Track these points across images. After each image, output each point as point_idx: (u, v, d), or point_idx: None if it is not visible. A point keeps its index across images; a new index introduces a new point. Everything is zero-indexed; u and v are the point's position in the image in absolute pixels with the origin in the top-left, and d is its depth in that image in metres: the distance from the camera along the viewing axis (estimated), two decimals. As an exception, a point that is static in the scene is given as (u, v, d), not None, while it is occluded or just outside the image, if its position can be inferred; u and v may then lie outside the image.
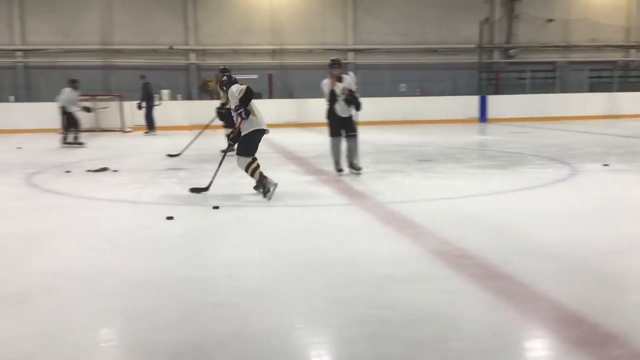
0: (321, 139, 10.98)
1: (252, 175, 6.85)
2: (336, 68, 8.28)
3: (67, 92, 13.78)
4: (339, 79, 8.24)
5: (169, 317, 3.30)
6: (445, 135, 15.47)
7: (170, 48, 21.77)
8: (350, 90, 8.22)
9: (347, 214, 6.11)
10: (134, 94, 19.38)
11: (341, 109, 8.27)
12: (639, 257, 4.32)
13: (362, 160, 8.77)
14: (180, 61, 22.18)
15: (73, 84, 14.02)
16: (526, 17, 23.55)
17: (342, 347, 2.99)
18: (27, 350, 2.92)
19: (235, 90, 6.88)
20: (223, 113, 11.40)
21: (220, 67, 12.14)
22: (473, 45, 22.64)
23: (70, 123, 13.73)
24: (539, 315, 3.29)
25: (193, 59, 22.34)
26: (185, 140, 12.48)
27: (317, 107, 18.67)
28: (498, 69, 23.74)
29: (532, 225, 5.34)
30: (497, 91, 22.55)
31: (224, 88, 7.39)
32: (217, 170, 7.14)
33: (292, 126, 19.27)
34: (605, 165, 8.93)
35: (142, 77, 17.73)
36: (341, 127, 8.37)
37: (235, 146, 7.00)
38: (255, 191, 6.95)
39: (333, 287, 3.77)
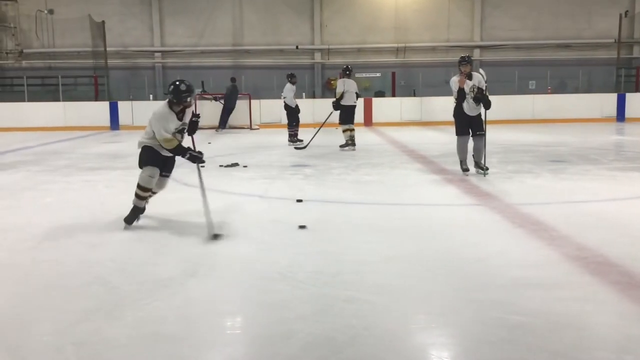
0: (444, 138, 10.82)
1: None
2: (465, 65, 8.09)
3: (287, 88, 13.60)
4: (469, 77, 8.06)
5: (303, 310, 3.40)
6: (579, 135, 14.65)
7: (297, 47, 22.33)
8: (480, 89, 8.01)
9: (476, 214, 5.97)
10: (262, 93, 20.10)
11: (469, 107, 8.09)
12: None
13: (488, 160, 8.53)
14: (305, 60, 22.68)
15: (292, 78, 13.73)
16: (673, 8, 21.75)
17: (475, 351, 2.94)
18: (167, 332, 3.13)
19: None
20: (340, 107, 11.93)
21: (344, 67, 12.46)
22: (611, 40, 21.25)
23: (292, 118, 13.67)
24: (693, 330, 3.05)
25: (318, 58, 22.76)
26: (307, 136, 12.76)
27: (440, 105, 18.50)
28: (639, 65, 22.10)
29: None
30: (638, 89, 21.01)
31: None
32: None
33: (414, 124, 19.09)
34: None
35: (232, 79, 18.51)
36: (469, 125, 8.19)
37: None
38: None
39: (464, 289, 3.71)
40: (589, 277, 3.87)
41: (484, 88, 8.05)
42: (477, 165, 8.24)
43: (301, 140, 13.06)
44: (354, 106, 12.16)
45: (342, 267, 4.20)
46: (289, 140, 13.54)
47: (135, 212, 5.46)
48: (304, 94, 21.64)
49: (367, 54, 22.37)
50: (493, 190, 7.14)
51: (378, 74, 21.42)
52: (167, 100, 5.41)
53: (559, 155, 10.60)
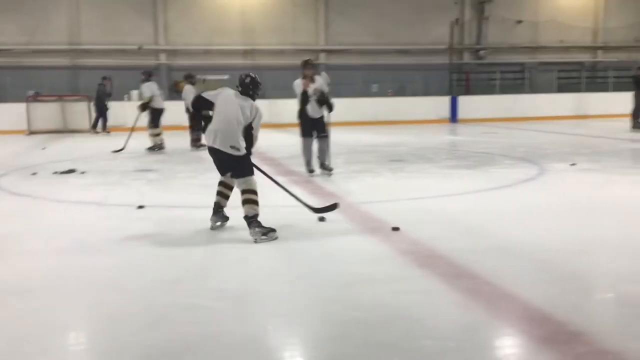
0: (293, 140, 10.96)
1: None
2: (309, 68, 8.26)
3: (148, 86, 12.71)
4: (312, 80, 8.23)
5: (137, 321, 3.25)
6: (417, 136, 15.57)
7: (139, 48, 21.52)
8: (322, 92, 8.22)
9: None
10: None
11: (313, 109, 8.27)
12: (605, 256, 4.39)
13: (333, 161, 8.78)
14: (149, 61, 21.90)
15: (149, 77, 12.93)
16: (496, 18, 23.82)
17: (316, 348, 2.99)
18: (-11, 357, 2.85)
19: None
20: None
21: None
22: (444, 46, 22.82)
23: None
24: (507, 314, 3.33)
25: (163, 59, 22.11)
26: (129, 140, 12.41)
27: (289, 108, 18.69)
28: (468, 69, 23.98)
29: (500, 224, 5.41)
30: (468, 92, 22.77)
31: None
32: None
33: (264, 127, 19.09)
34: (573, 164, 9.07)
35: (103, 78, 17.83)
36: (312, 127, 8.37)
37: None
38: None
39: (307, 288, 3.77)
40: (419, 270, 4.09)
41: (326, 91, 8.27)
42: (322, 166, 8.45)
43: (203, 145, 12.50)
44: (162, 109, 12.46)
45: (183, 274, 4.09)
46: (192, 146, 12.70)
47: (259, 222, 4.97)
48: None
49: (215, 55, 22.12)
50: (337, 190, 7.34)
51: (226, 76, 21.24)
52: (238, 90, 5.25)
53: (399, 155, 11.17)
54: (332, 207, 5.56)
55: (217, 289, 3.77)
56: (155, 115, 12.53)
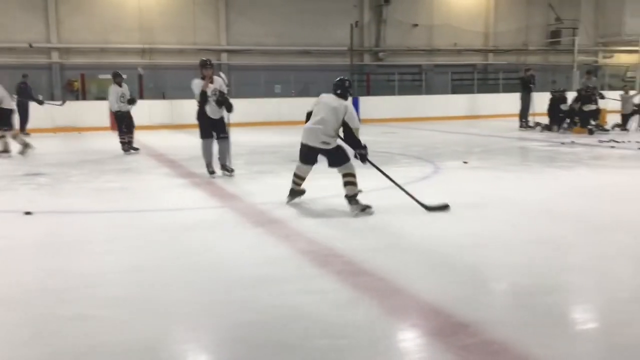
0: (194, 141, 10.78)
1: None
2: (208, 68, 8.16)
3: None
4: (211, 80, 8.13)
5: (21, 334, 3.09)
6: (319, 136, 15.71)
7: (30, 46, 20.41)
8: (222, 92, 8.14)
9: (219, 216, 6.04)
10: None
11: (212, 110, 8.18)
12: (494, 250, 4.61)
13: (235, 162, 8.72)
14: (41, 60, 20.85)
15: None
16: (393, 21, 24.53)
17: (213, 353, 2.96)
18: None
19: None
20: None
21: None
22: (345, 48, 23.23)
23: None
24: (400, 308, 3.43)
25: (56, 57, 21.08)
26: (48, 142, 11.76)
27: (191, 109, 18.39)
28: (369, 71, 24.54)
29: (398, 222, 5.57)
30: (368, 92, 23.30)
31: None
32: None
33: (164, 128, 18.75)
34: (465, 162, 9.50)
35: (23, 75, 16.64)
36: (212, 128, 8.27)
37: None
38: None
39: (203, 293, 3.72)
40: (318, 269, 4.14)
41: (225, 91, 8.20)
42: (223, 167, 8.36)
43: (137, 148, 11.85)
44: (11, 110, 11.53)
45: (73, 283, 3.92)
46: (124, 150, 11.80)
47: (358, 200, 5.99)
48: (40, 96, 19.88)
49: (111, 54, 21.35)
50: (238, 192, 7.30)
51: (124, 76, 20.53)
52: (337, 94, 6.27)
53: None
54: (444, 207, 5.91)
55: (109, 297, 3.65)
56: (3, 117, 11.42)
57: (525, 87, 16.74)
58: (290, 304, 3.46)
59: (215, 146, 8.35)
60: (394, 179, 6.38)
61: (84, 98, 20.57)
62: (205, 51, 21.96)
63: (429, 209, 5.91)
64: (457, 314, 3.26)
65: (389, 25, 24.54)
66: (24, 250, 4.74)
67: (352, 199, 5.98)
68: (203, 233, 5.26)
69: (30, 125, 17.28)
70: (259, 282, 3.86)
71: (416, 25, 24.78)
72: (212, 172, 8.34)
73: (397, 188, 6.35)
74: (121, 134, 11.91)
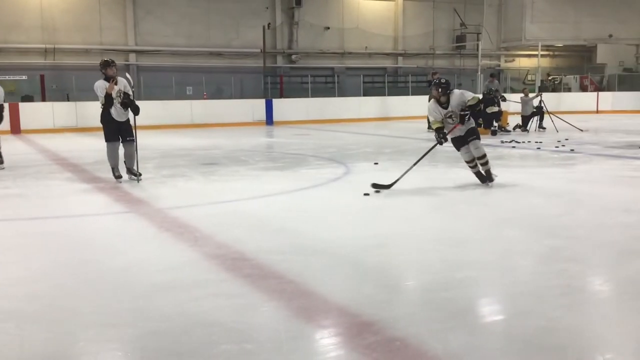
0: (100, 145, 10.41)
1: None
2: (112, 68, 7.88)
3: None
4: (114, 81, 7.86)
5: None
6: (232, 138, 15.59)
7: None
8: (126, 94, 7.89)
9: (124, 222, 5.84)
10: None
11: (117, 113, 7.91)
12: (397, 249, 4.70)
13: (144, 166, 8.50)
14: None
15: None
16: (305, 24, 24.71)
17: (106, 366, 2.85)
18: None
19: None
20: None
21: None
22: (257, 50, 23.15)
23: None
24: (307, 310, 3.43)
25: (-52, 56, 19.82)
26: None
27: (95, 111, 17.79)
28: (282, 73, 24.57)
29: (308, 224, 5.58)
30: (282, 95, 23.34)
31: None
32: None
33: (68, 131, 17.99)
34: (376, 164, 9.67)
35: None
36: (118, 131, 8.00)
37: None
38: None
39: (103, 302, 3.56)
40: (225, 273, 4.08)
41: (130, 93, 7.95)
42: (130, 171, 8.11)
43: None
44: None
45: (-40, 297, 3.66)
46: None
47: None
48: None
49: (11, 54, 20.28)
50: (145, 196, 7.10)
51: (24, 77, 19.58)
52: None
53: (212, 158, 11.10)
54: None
55: (8, 310, 3.43)
56: None
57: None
58: (196, 310, 3.38)
59: (122, 150, 8.09)
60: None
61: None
62: (113, 51, 21.30)
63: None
64: (362, 314, 3.29)
65: (301, 28, 24.70)
66: None
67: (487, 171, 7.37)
68: (106, 240, 5.07)
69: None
70: (163, 289, 3.75)
71: (328, 28, 25.09)
72: (118, 177, 8.06)
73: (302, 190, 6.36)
74: None
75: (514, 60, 30.12)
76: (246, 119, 20.90)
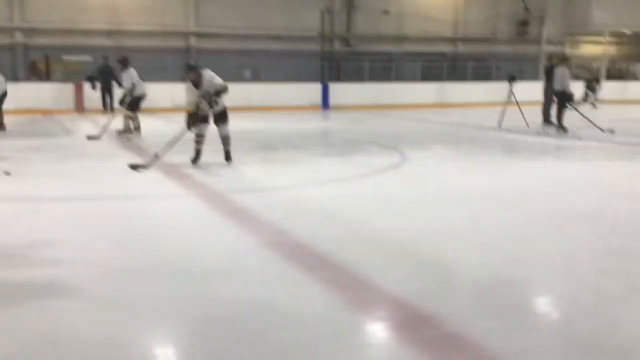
0: (161, 125, 10.68)
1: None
2: (191, 73, 7.94)
3: None
4: (196, 85, 7.93)
5: (-24, 329, 3.03)
6: (289, 122, 15.69)
7: (-10, 25, 19.87)
8: (209, 93, 7.94)
9: (184, 206, 5.97)
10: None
11: (207, 108, 8.05)
12: (455, 241, 4.66)
13: (204, 149, 8.59)
14: (3, 40, 20.29)
15: None
16: (364, 8, 24.49)
17: (174, 347, 2.94)
18: None
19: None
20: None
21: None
22: (315, 34, 23.11)
23: None
24: (364, 302, 3.45)
25: (19, 37, 20.54)
26: (11, 125, 11.47)
27: (159, 92, 18.22)
28: (339, 57, 24.48)
29: (362, 212, 5.58)
30: (338, 79, 23.26)
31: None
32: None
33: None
34: (428, 150, 9.57)
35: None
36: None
37: None
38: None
39: (162, 287, 3.67)
40: (282, 262, 4.13)
41: (212, 92, 8.01)
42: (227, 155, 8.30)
43: None
44: None
45: (36, 273, 3.84)
46: None
47: None
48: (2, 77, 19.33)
49: (77, 35, 20.88)
50: (205, 180, 7.24)
51: (89, 58, 20.15)
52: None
53: (270, 142, 11.20)
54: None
55: (71, 287, 3.59)
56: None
57: (549, 78, 13.41)
58: (253, 297, 3.45)
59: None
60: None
61: (48, 79, 20.12)
62: (174, 33, 21.70)
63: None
64: (420, 307, 3.30)
65: (360, 12, 24.50)
66: (-17, 239, 4.62)
67: None
68: (166, 223, 5.20)
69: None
70: (222, 275, 3.83)
71: (387, 12, 24.78)
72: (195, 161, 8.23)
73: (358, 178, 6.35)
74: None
75: (579, 47, 29.10)
76: (302, 102, 20.95)
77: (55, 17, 20.55)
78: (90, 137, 11.06)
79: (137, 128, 11.75)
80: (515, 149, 10.34)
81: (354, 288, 3.64)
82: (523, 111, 13.74)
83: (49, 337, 2.93)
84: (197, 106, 7.95)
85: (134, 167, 7.29)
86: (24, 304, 3.34)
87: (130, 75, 11.59)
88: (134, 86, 11.48)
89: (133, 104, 11.63)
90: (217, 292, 3.54)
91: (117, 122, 11.70)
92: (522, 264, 4.10)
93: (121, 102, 11.71)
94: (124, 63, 11.83)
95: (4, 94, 12.54)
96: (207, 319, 3.17)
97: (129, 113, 11.66)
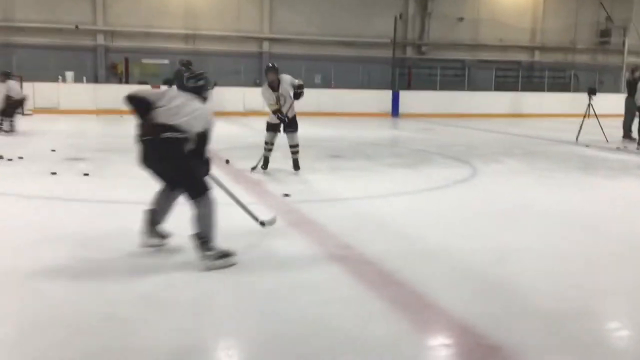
0: (234, 130, 10.87)
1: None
2: (271, 73, 8.09)
3: None
4: (273, 87, 8.07)
5: (55, 332, 3.14)
6: (358, 130, 15.66)
7: (76, 27, 20.80)
8: (289, 93, 8.08)
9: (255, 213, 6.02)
10: (37, 74, 18.39)
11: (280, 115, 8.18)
12: (525, 266, 4.47)
13: (273, 155, 8.68)
14: (86, 42, 21.23)
15: None
16: (438, 15, 24.20)
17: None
18: None
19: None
20: None
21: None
22: (387, 40, 23.01)
23: None
24: (430, 325, 3.38)
25: (101, 40, 21.45)
26: (91, 125, 11.94)
27: (232, 96, 18.57)
28: (410, 64, 24.28)
29: (429, 228, 5.48)
30: (409, 86, 23.06)
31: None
32: None
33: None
34: (499, 165, 9.31)
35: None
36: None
37: None
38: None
39: (227, 301, 3.71)
40: (348, 277, 4.09)
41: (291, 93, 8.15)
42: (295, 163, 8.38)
43: None
44: None
45: (109, 279, 3.96)
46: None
47: None
48: (85, 78, 20.25)
49: (156, 39, 21.61)
50: (272, 188, 7.30)
51: (167, 61, 20.79)
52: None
53: (339, 150, 11.21)
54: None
55: (140, 295, 3.68)
56: None
57: (631, 91, 13.23)
58: (319, 314, 3.43)
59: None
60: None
61: (127, 81, 20.89)
62: (248, 38, 22.10)
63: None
64: (488, 336, 3.19)
65: (434, 19, 24.23)
66: (62, 239, 4.81)
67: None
68: (230, 232, 5.25)
69: (75, 105, 17.68)
70: (287, 289, 3.83)
71: (462, 19, 24.42)
72: (254, 168, 8.34)
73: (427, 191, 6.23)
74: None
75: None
76: (372, 109, 20.90)
77: (135, 22, 21.36)
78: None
79: None
80: (592, 166, 9.92)
81: (420, 309, 3.57)
82: (602, 125, 13.18)
83: (119, 345, 3.01)
84: (278, 101, 8.05)
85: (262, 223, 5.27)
86: (96, 309, 3.45)
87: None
88: None
89: None
90: (283, 307, 3.52)
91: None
92: (595, 291, 3.92)
93: None
94: (187, 66, 12.16)
95: (22, 100, 12.95)
96: (273, 335, 3.15)
97: None
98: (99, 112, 18.10)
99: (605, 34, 25.97)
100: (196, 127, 4.15)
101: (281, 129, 8.33)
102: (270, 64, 8.35)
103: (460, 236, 5.24)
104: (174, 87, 4.60)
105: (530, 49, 25.93)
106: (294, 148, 8.39)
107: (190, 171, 4.20)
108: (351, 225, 5.51)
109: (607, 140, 12.81)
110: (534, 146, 12.59)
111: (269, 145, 8.37)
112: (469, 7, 24.61)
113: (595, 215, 6.19)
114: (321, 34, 23.11)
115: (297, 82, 8.06)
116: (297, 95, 8.01)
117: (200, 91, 4.40)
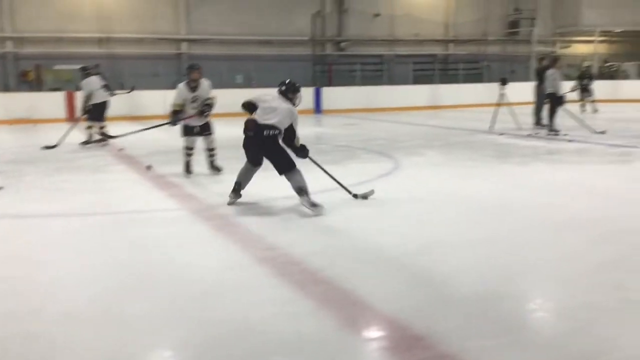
0: (155, 135, 10.63)
1: None
2: (195, 72, 8.05)
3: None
4: (193, 88, 7.98)
5: None
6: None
7: (-21, 35, 19.78)
8: (201, 100, 8.04)
9: (175, 218, 5.94)
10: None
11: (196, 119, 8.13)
12: (450, 255, 4.64)
13: (195, 158, 8.57)
14: (-5, 49, 20.24)
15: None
16: (355, 11, 24.51)
17: (162, 374, 2.93)
18: None
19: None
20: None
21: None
22: (306, 38, 23.12)
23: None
24: (356, 321, 3.44)
25: (9, 47, 20.46)
26: (2, 136, 11.41)
27: (151, 99, 18.14)
28: (330, 61, 24.49)
29: (353, 224, 5.57)
30: (330, 83, 23.26)
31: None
32: None
33: (124, 119, 18.38)
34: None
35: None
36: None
37: None
38: None
39: (156, 305, 3.66)
40: (275, 278, 4.12)
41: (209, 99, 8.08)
42: (212, 165, 8.35)
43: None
44: None
45: (22, 297, 3.81)
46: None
47: None
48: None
49: (67, 43, 20.80)
50: (196, 193, 7.22)
51: (80, 66, 20.04)
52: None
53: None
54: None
55: (61, 312, 3.57)
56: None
57: (542, 80, 13.57)
58: (247, 316, 3.44)
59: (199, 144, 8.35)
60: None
61: (39, 89, 20.07)
62: (166, 40, 21.67)
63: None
64: (412, 326, 3.29)
65: (350, 15, 24.52)
66: (-27, 260, 4.59)
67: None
68: (159, 240, 5.18)
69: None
70: (214, 293, 3.82)
71: (378, 14, 24.81)
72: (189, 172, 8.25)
73: (351, 187, 6.34)
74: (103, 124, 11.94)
75: (569, 46, 29.19)
76: (295, 107, 20.92)
77: (46, 26, 20.48)
78: (46, 147, 11.06)
79: (104, 136, 11.73)
80: (507, 153, 10.35)
81: (346, 306, 3.63)
82: (515, 113, 13.77)
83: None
84: (182, 106, 7.98)
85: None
86: (11, 329, 3.32)
87: (88, 83, 11.78)
88: (91, 94, 11.51)
89: (94, 112, 11.65)
90: (212, 311, 3.52)
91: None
92: (515, 276, 4.11)
93: (83, 112, 11.82)
94: (84, 71, 12.12)
95: (105, 104, 12.21)
96: (203, 339, 3.15)
97: (90, 123, 11.74)
98: (11, 122, 17.28)
99: (514, 25, 27.06)
100: (285, 124, 6.07)
101: (196, 131, 8.23)
102: (194, 63, 8.29)
103: (384, 230, 5.37)
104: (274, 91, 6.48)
105: (445, 42, 26.67)
106: (212, 151, 8.34)
107: (282, 155, 6.06)
108: (276, 226, 5.54)
109: (519, 128, 13.38)
110: (453, 137, 12.99)
111: (189, 150, 8.27)
112: (385, 3, 25.05)
113: (512, 201, 6.48)
114: (240, 34, 22.93)
115: (211, 94, 8.02)
116: (205, 109, 7.95)
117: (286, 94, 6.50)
